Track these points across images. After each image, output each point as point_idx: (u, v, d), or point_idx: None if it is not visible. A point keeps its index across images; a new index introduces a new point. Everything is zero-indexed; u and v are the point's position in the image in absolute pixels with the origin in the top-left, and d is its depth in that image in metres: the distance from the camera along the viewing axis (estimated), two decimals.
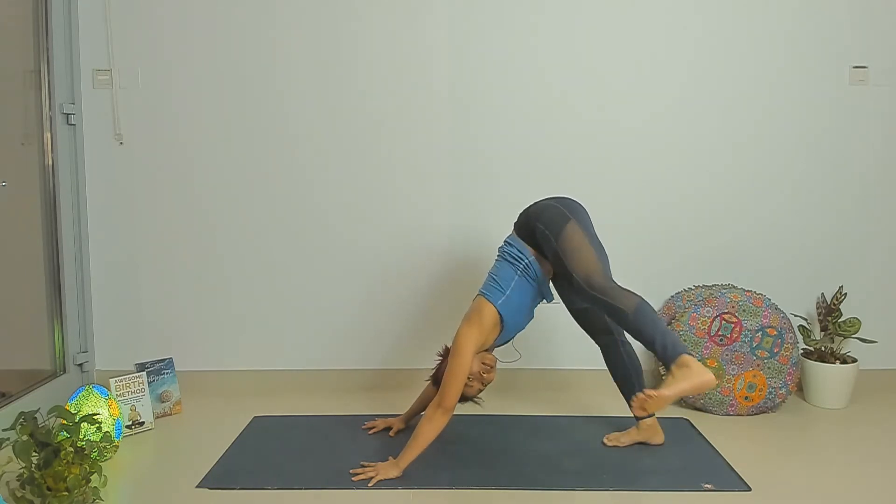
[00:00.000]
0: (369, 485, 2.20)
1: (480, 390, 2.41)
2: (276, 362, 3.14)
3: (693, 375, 2.03)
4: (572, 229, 2.28)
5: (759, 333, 2.83)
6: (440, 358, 2.48)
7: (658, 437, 2.50)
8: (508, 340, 2.48)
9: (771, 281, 3.10)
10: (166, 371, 2.89)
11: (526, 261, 2.35)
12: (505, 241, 2.45)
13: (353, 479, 2.24)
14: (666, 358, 2.10)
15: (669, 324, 2.93)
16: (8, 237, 2.81)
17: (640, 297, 2.21)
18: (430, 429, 2.24)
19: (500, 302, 2.32)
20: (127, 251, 3.08)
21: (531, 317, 2.46)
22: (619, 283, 2.24)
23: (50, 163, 2.89)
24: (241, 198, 3.07)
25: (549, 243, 2.30)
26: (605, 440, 2.54)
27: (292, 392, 3.10)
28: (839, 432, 2.70)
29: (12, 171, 2.77)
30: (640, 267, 3.09)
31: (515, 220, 2.50)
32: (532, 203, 2.47)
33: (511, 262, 2.37)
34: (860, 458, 2.44)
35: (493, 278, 2.39)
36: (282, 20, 2.99)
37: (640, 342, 2.17)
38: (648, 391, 2.04)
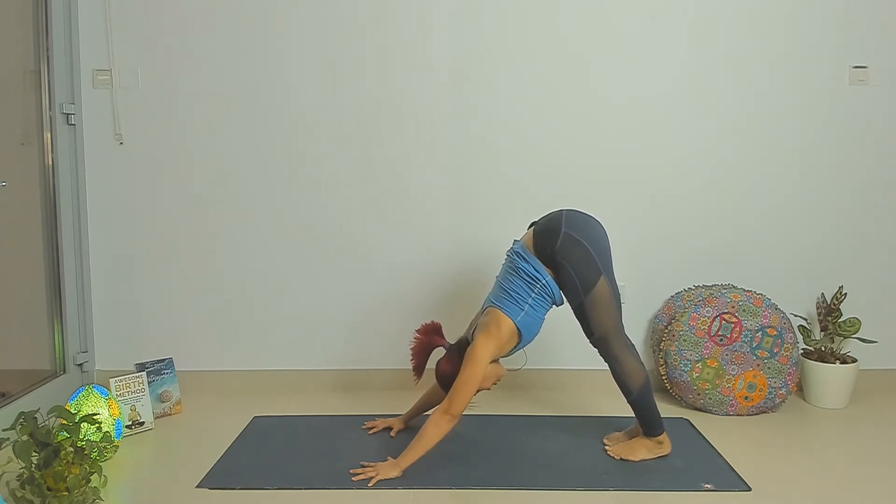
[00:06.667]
0: (369, 485, 2.20)
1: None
2: (277, 362, 3.14)
3: (661, 450, 2.43)
4: (602, 286, 2.30)
5: (759, 333, 2.83)
6: (418, 335, 2.42)
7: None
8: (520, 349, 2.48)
9: (771, 281, 3.10)
10: (166, 371, 2.89)
11: (543, 281, 2.32)
12: (516, 253, 2.38)
13: (353, 479, 2.24)
14: (648, 432, 2.43)
15: (669, 324, 2.93)
16: (8, 237, 2.81)
17: (645, 373, 2.40)
18: (434, 433, 2.24)
19: (518, 318, 2.32)
20: (127, 251, 3.08)
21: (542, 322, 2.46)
22: (629, 342, 2.40)
23: (50, 163, 2.89)
24: (241, 198, 3.07)
25: (577, 293, 2.31)
26: (605, 440, 2.54)
27: (292, 392, 3.10)
28: (839, 432, 2.70)
29: (12, 171, 2.77)
30: (640, 267, 3.10)
31: (530, 227, 2.45)
32: (552, 215, 2.39)
33: (527, 281, 2.33)
34: (860, 458, 2.44)
35: (508, 291, 2.35)
36: (283, 19, 2.99)
37: (633, 411, 2.43)
38: (616, 452, 2.43)
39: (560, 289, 2.34)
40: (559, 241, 2.30)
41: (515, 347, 2.39)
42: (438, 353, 2.46)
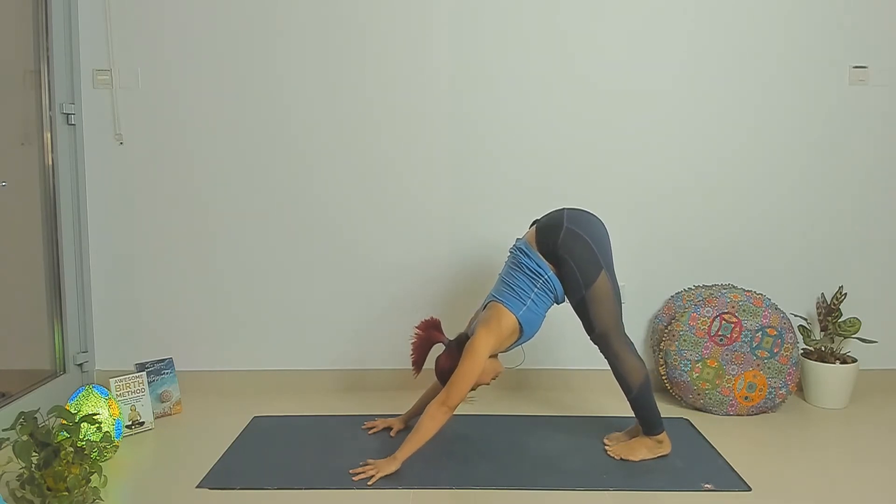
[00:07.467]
0: (369, 483, 2.20)
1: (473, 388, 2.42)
2: (276, 362, 3.14)
3: (661, 449, 2.43)
4: (603, 281, 2.31)
5: (759, 333, 2.83)
6: (418, 331, 2.45)
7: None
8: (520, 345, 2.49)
9: (771, 281, 3.10)
10: (166, 371, 2.89)
11: (545, 276, 2.33)
12: (519, 249, 2.40)
13: (353, 478, 2.24)
14: (648, 431, 2.43)
15: (669, 324, 2.93)
16: (8, 237, 2.81)
17: (645, 371, 2.39)
18: (431, 425, 2.25)
19: (520, 313, 2.33)
20: (127, 251, 3.08)
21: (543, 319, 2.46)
22: (628, 340, 2.39)
23: (50, 163, 2.89)
24: (241, 197, 3.07)
25: (578, 288, 2.32)
26: (605, 440, 2.54)
27: (292, 392, 3.10)
28: (839, 432, 2.70)
29: (12, 171, 2.78)
30: (640, 267, 3.10)
31: (532, 225, 2.47)
32: (554, 213, 2.41)
33: (530, 276, 2.34)
34: (860, 459, 2.44)
35: (511, 286, 2.36)
36: (283, 20, 2.99)
37: (633, 410, 2.43)
38: (616, 452, 2.43)
39: (562, 284, 2.35)
40: (561, 236, 2.31)
41: (515, 343, 2.40)
42: (438, 350, 2.47)
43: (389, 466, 2.24)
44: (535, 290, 2.34)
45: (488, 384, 2.43)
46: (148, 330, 3.11)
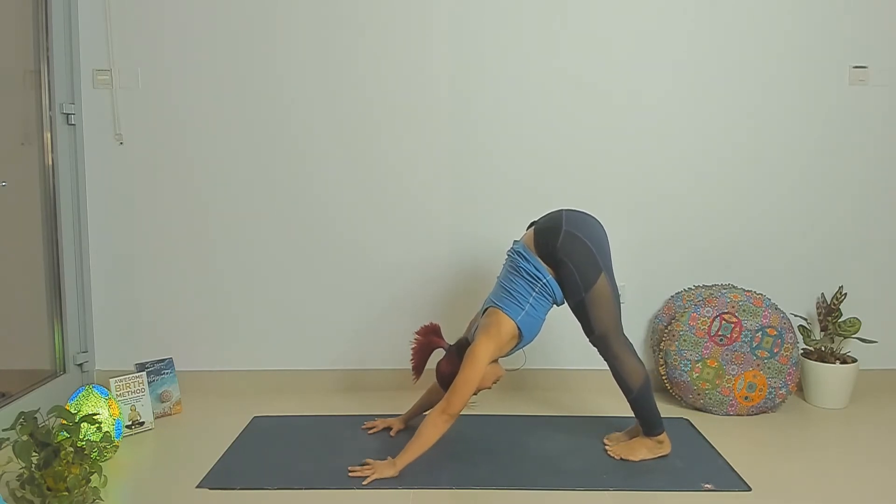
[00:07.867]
0: (364, 482, 2.20)
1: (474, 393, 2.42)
2: (276, 362, 3.14)
3: (661, 449, 2.43)
4: (602, 284, 2.31)
5: (759, 333, 2.83)
6: (418, 336, 2.45)
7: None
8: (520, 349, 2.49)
9: (771, 281, 3.10)
10: (166, 371, 2.89)
11: (544, 280, 2.32)
12: (517, 252, 2.39)
13: (349, 474, 2.25)
14: (648, 431, 2.43)
15: (669, 324, 2.93)
16: (8, 237, 2.81)
17: (645, 372, 2.40)
18: (432, 432, 2.24)
19: (519, 318, 2.32)
20: (127, 251, 3.08)
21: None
22: (628, 341, 2.39)
23: (50, 163, 2.89)
24: (241, 197, 3.07)
25: (577, 290, 2.31)
26: (605, 440, 2.54)
27: (292, 392, 3.10)
28: (839, 432, 2.70)
29: (12, 171, 2.77)
30: (640, 267, 3.10)
31: (529, 227, 2.47)
32: (552, 215, 2.40)
33: (528, 280, 2.34)
34: (860, 458, 2.44)
35: (509, 291, 2.35)
36: (283, 20, 2.99)
37: (633, 411, 2.43)
38: (616, 452, 2.43)
39: (561, 287, 2.34)
40: (560, 239, 2.30)
41: (515, 347, 2.39)
42: (439, 354, 2.47)
43: (387, 471, 2.24)
44: (534, 294, 2.34)
45: (490, 388, 2.43)
46: (148, 330, 3.11)
